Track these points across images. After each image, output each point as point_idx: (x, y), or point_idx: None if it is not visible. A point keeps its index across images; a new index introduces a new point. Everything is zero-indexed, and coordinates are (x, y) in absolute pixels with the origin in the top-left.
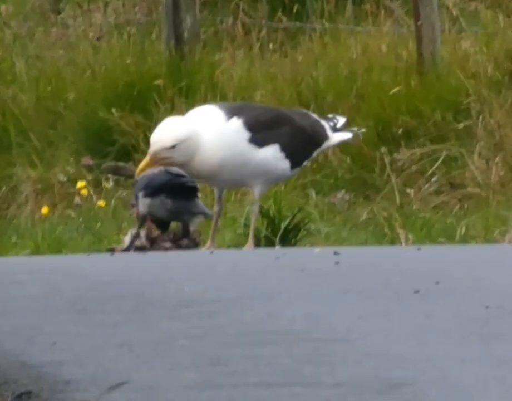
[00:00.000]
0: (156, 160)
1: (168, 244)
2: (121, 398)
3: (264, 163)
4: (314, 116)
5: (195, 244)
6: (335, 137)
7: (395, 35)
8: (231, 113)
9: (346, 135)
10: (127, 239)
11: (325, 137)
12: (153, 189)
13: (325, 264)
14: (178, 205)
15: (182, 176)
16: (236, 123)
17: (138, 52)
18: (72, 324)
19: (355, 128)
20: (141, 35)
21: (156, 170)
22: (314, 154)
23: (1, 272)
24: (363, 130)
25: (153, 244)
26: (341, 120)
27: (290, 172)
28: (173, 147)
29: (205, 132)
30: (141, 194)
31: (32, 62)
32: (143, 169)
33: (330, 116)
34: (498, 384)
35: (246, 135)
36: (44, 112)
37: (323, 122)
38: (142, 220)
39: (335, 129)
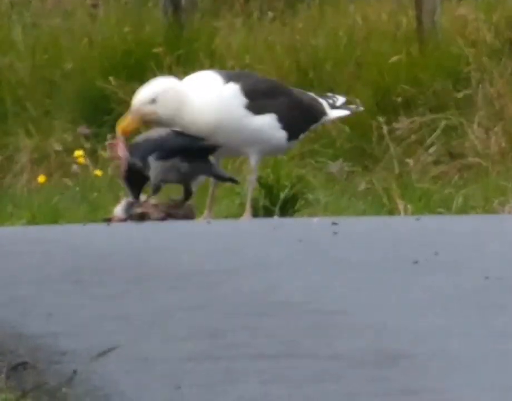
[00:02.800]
0: (138, 117)
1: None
2: (118, 369)
3: (260, 131)
4: (311, 94)
5: (192, 214)
6: (333, 114)
7: (395, 3)
8: (229, 78)
9: (344, 112)
10: (119, 209)
11: (322, 112)
12: (167, 152)
13: (323, 234)
14: (196, 168)
15: (199, 138)
16: (234, 88)
17: (135, 20)
18: (68, 296)
19: (353, 106)
20: (138, 3)
21: (162, 131)
22: (311, 128)
23: None
24: (362, 108)
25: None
26: (340, 99)
27: (286, 144)
28: (153, 100)
29: (202, 94)
30: (152, 157)
31: (28, 30)
32: (126, 128)
33: (329, 94)
34: (498, 356)
35: (243, 100)
36: (40, 80)
37: (321, 100)
38: (156, 187)
39: (333, 107)
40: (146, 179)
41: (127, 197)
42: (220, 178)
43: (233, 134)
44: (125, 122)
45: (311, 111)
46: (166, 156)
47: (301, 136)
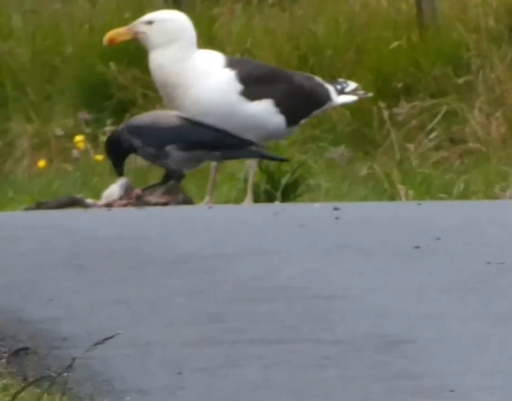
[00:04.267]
0: (131, 32)
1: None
2: (118, 354)
3: (255, 116)
4: (319, 79)
5: (190, 200)
6: (339, 100)
7: None
8: (228, 63)
9: (351, 98)
10: (116, 189)
11: (327, 98)
12: (191, 144)
13: (324, 219)
14: (234, 154)
15: (222, 131)
16: (229, 74)
17: (135, 6)
18: (68, 281)
19: (361, 92)
20: None
21: (171, 117)
22: (313, 113)
23: None
24: (370, 94)
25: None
26: (351, 85)
27: (285, 129)
28: (150, 22)
29: (199, 70)
30: (171, 147)
31: (28, 16)
32: (115, 37)
33: (340, 80)
34: (498, 341)
35: (237, 87)
36: (40, 66)
37: (328, 86)
38: (179, 176)
39: (342, 92)
40: (128, 152)
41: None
42: (271, 158)
43: (227, 119)
44: (116, 31)
45: (313, 96)
46: (189, 148)
47: (302, 121)
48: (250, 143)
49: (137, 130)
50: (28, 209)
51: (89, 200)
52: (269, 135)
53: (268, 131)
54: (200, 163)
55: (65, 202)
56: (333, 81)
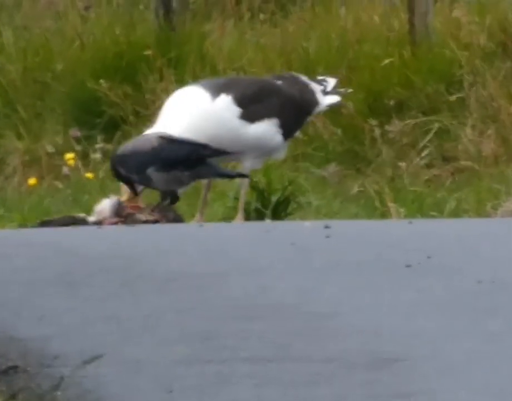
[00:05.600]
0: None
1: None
2: (109, 372)
3: (257, 138)
4: (304, 79)
5: (180, 217)
6: (326, 101)
7: (387, 6)
8: (218, 90)
9: (335, 98)
10: (106, 207)
11: (315, 103)
12: (166, 164)
13: (315, 237)
14: (198, 173)
15: (195, 144)
16: (226, 100)
17: (126, 22)
18: (59, 298)
19: (342, 89)
20: (129, 5)
21: (151, 139)
22: (306, 122)
23: None
24: (350, 90)
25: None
26: (331, 82)
27: (283, 144)
28: None
29: (194, 113)
30: (151, 170)
31: (19, 32)
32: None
33: (320, 78)
34: (490, 358)
35: (236, 111)
36: (31, 83)
37: (313, 86)
38: (174, 197)
39: (325, 92)
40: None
41: (114, 197)
42: (228, 176)
43: (231, 144)
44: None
45: (304, 105)
46: (166, 168)
47: (297, 132)
48: (222, 152)
49: (120, 160)
50: (21, 226)
51: (90, 218)
52: (269, 152)
53: (269, 149)
54: (184, 184)
55: (68, 221)
56: (314, 79)
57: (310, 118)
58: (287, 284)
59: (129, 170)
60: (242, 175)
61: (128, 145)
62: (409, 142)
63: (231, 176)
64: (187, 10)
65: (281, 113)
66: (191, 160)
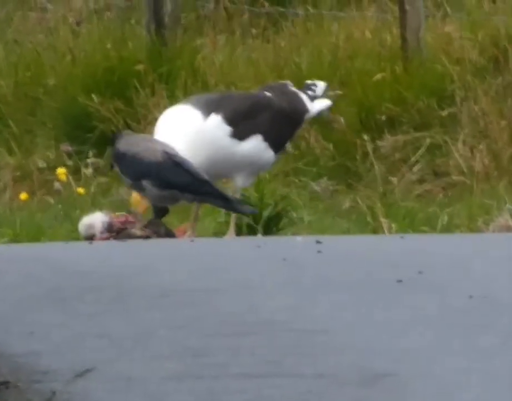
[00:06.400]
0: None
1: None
2: (100, 388)
3: (248, 155)
4: (292, 88)
5: (172, 233)
6: (315, 107)
7: (379, 21)
8: (208, 109)
9: (325, 103)
10: (97, 222)
11: (304, 111)
12: (166, 184)
13: (307, 253)
14: (203, 200)
15: (201, 179)
16: (216, 119)
17: (118, 37)
18: (50, 314)
19: (331, 92)
20: (121, 20)
21: (157, 150)
22: (296, 132)
23: None
24: (339, 92)
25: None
26: (320, 85)
27: (274, 158)
28: None
29: (184, 133)
30: (146, 182)
31: (10, 47)
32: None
33: (309, 82)
34: (481, 375)
35: (226, 129)
36: (23, 98)
37: (302, 95)
38: (163, 212)
39: (314, 98)
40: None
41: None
42: (234, 211)
43: (222, 164)
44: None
45: (293, 115)
46: (161, 186)
47: (288, 145)
48: (225, 197)
49: (119, 157)
50: (13, 242)
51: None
52: (260, 168)
53: (260, 165)
54: (177, 202)
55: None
56: (303, 86)
57: (301, 127)
58: (278, 301)
59: (124, 171)
60: (246, 213)
61: (134, 145)
62: (401, 157)
63: (237, 211)
64: (178, 25)
65: (272, 128)
66: (195, 187)
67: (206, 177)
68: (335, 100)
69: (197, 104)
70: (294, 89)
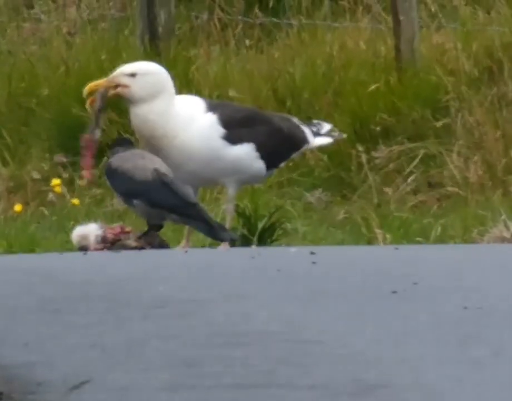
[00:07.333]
0: (111, 84)
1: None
2: (93, 399)
3: (238, 161)
4: (296, 121)
5: (166, 244)
6: (316, 142)
7: (373, 32)
8: (209, 108)
9: (327, 140)
10: (91, 233)
11: (304, 140)
12: (154, 204)
13: (301, 264)
14: (187, 222)
15: (189, 201)
16: (211, 118)
17: (112, 48)
18: (44, 325)
19: (336, 133)
20: (115, 31)
21: (146, 169)
22: (292, 156)
23: None
24: (345, 135)
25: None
26: (325, 127)
27: (265, 173)
28: (132, 75)
29: (182, 110)
30: (136, 201)
31: (4, 57)
32: (93, 89)
33: (315, 121)
34: (474, 386)
35: (220, 131)
36: (16, 108)
37: (304, 128)
38: (157, 226)
39: (317, 134)
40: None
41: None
42: (216, 239)
43: (210, 164)
44: (96, 83)
45: (291, 139)
46: (152, 205)
47: (281, 164)
48: (209, 223)
49: (110, 172)
50: (6, 253)
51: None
52: (249, 179)
53: (249, 175)
54: (165, 220)
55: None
56: (308, 122)
57: (298, 154)
58: (272, 311)
59: (115, 187)
60: (225, 240)
61: (125, 162)
62: (395, 168)
63: (217, 238)
64: (172, 36)
65: (267, 142)
66: (181, 209)
67: (194, 199)
68: (329, 111)
69: (205, 101)
70: (297, 122)
